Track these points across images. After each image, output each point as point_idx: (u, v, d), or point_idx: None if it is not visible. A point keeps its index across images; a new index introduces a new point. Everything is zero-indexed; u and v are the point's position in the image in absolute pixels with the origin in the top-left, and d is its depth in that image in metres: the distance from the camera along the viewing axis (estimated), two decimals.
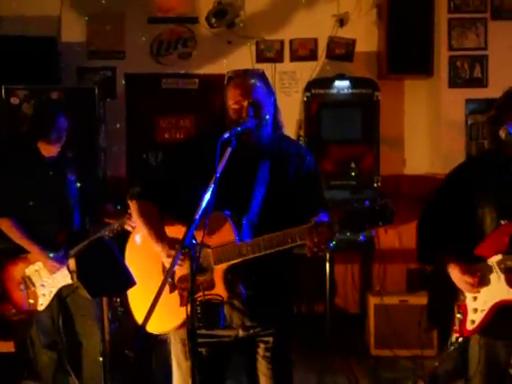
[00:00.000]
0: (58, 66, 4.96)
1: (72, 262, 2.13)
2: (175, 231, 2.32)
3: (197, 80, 5.29)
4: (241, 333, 2.38)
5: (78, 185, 3.50)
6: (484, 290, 2.50)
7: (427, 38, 4.93)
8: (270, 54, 5.29)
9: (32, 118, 3.51)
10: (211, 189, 2.08)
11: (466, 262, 2.52)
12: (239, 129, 2.23)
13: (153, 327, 2.33)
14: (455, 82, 5.00)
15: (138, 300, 2.42)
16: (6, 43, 4.74)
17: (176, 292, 2.31)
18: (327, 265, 4.74)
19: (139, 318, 2.38)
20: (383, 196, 4.62)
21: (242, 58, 5.10)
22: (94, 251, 2.24)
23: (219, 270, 2.24)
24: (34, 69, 4.72)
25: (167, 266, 2.30)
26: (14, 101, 4.58)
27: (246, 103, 2.27)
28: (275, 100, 2.40)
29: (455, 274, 2.53)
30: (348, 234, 2.04)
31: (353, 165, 4.85)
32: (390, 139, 5.17)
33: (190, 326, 1.99)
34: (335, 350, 4.54)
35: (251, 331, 2.38)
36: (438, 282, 2.70)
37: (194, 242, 2.05)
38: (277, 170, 2.34)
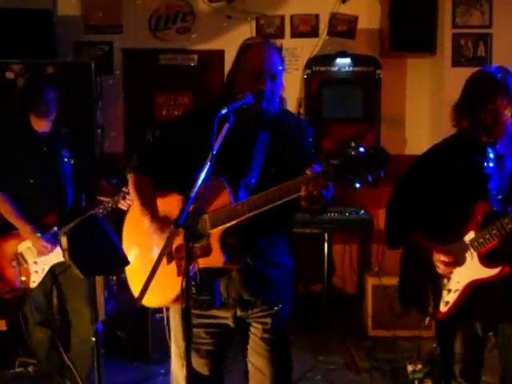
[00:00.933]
0: (54, 40, 4.87)
1: (63, 240, 2.10)
2: (169, 202, 2.32)
3: (195, 56, 5.21)
4: (238, 312, 2.34)
5: (72, 162, 3.44)
6: (457, 270, 2.49)
7: (431, 15, 4.84)
8: (270, 29, 5.19)
9: (21, 91, 3.46)
10: (207, 166, 2.03)
11: (440, 242, 2.51)
12: (237, 104, 2.17)
13: (150, 301, 2.28)
14: (459, 60, 4.92)
15: (136, 275, 2.38)
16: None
17: (173, 263, 2.27)
18: (325, 245, 4.72)
19: (137, 293, 2.34)
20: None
21: (242, 34, 4.99)
22: (85, 229, 2.20)
23: (215, 234, 2.19)
24: (29, 43, 4.65)
25: (155, 242, 2.29)
26: (9, 75, 4.51)
27: (265, 73, 2.24)
28: (283, 74, 2.36)
29: (430, 254, 2.51)
30: (349, 177, 1.96)
31: (353, 144, 4.78)
32: (391, 118, 5.11)
33: (184, 305, 1.94)
34: (332, 330, 4.54)
35: (249, 311, 2.34)
36: (410, 265, 2.68)
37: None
38: (276, 140, 2.32)
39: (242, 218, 2.16)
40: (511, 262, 2.37)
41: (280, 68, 2.29)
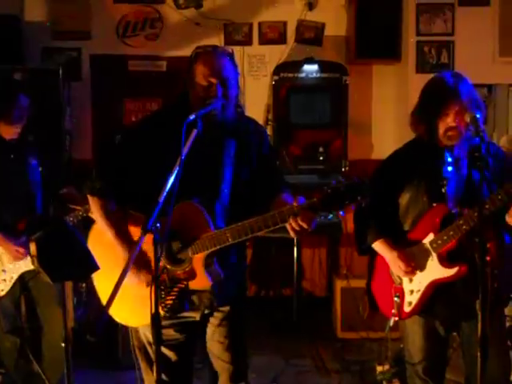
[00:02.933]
0: (22, 46, 4.83)
1: (32, 247, 2.09)
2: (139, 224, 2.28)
3: (164, 62, 5.22)
4: (206, 311, 2.40)
5: (41, 169, 3.41)
6: (419, 271, 2.56)
7: (395, 23, 4.96)
8: (238, 36, 5.24)
9: None
10: (176, 172, 2.05)
11: (401, 247, 2.58)
12: (205, 110, 2.21)
13: (132, 321, 2.36)
14: (422, 67, 5.04)
15: (107, 288, 2.35)
16: None
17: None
18: (295, 249, 4.76)
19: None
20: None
21: (211, 41, 5.03)
22: (54, 235, 2.20)
23: (198, 258, 2.25)
24: None
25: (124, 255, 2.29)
26: None
27: (215, 81, 2.26)
28: (238, 80, 2.39)
29: (391, 259, 2.59)
30: (331, 214, 2.11)
31: (321, 149, 4.87)
32: (358, 124, 5.20)
33: (153, 310, 1.97)
34: (302, 333, 4.59)
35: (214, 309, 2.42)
36: (375, 268, 2.73)
37: (158, 225, 2.03)
38: (241, 149, 2.35)
39: (225, 245, 2.21)
40: (468, 262, 2.44)
41: (232, 74, 2.30)
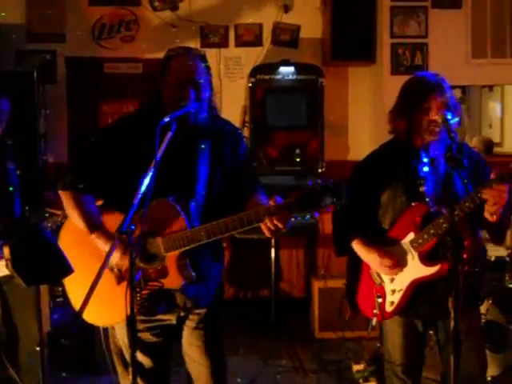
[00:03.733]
0: None
1: (6, 250, 2.08)
2: (114, 221, 2.25)
3: (140, 64, 5.21)
4: (182, 313, 2.39)
5: (18, 173, 3.38)
6: (400, 270, 2.57)
7: (370, 25, 5.02)
8: (214, 38, 5.25)
9: None
10: (151, 173, 2.06)
11: (381, 246, 2.59)
12: (179, 112, 2.21)
13: (103, 320, 2.34)
14: (397, 69, 5.10)
15: (78, 291, 2.35)
16: None
17: (124, 283, 2.26)
18: (272, 250, 4.78)
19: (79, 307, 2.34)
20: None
21: (187, 43, 5.02)
22: (28, 238, 2.18)
23: (171, 257, 2.23)
24: None
25: (99, 254, 2.26)
26: None
27: (187, 83, 2.26)
28: (211, 81, 2.39)
29: (373, 258, 2.59)
30: (308, 215, 2.11)
31: (298, 150, 4.89)
32: (335, 125, 5.24)
33: (129, 312, 1.96)
34: (280, 334, 4.60)
35: (190, 311, 2.41)
36: (355, 269, 2.74)
37: (132, 227, 2.02)
38: (216, 149, 2.36)
39: (200, 243, 2.20)
40: (449, 260, 2.44)
41: (205, 76, 2.31)
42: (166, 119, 2.15)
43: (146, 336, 2.36)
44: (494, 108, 7.30)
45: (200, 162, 2.31)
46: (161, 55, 2.40)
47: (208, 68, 2.35)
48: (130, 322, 1.97)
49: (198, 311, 2.41)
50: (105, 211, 2.35)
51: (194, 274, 2.28)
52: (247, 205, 2.29)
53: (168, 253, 2.24)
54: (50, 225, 3.18)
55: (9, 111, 3.30)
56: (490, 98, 7.37)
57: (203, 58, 2.35)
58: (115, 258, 2.25)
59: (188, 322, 2.42)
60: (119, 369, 2.46)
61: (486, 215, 2.41)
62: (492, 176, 2.34)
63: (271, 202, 2.12)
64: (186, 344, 2.45)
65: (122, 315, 2.14)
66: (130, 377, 2.02)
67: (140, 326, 2.28)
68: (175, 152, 2.18)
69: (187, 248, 2.22)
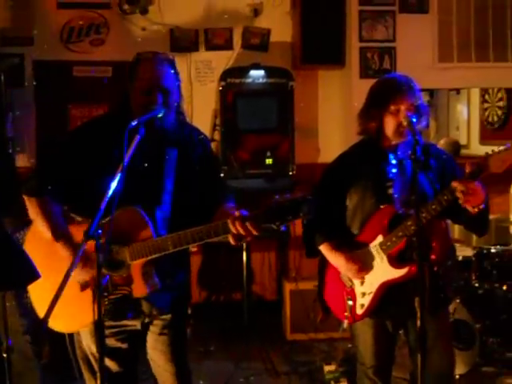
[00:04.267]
0: None
1: None
2: (82, 229, 2.23)
3: (110, 68, 5.17)
4: (147, 319, 2.39)
5: None
6: (369, 273, 2.60)
7: (339, 29, 5.06)
8: (185, 42, 5.24)
9: None
10: (118, 178, 2.05)
11: (350, 249, 2.62)
12: (147, 116, 2.21)
13: (69, 327, 2.33)
14: (366, 72, 5.16)
15: (42, 299, 2.32)
16: None
17: (89, 290, 2.26)
18: (244, 253, 4.78)
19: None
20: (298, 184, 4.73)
21: (157, 46, 4.96)
22: None
23: (137, 265, 2.23)
24: None
25: (65, 261, 2.24)
26: None
27: (155, 88, 2.25)
28: (180, 86, 2.39)
29: (340, 262, 2.62)
30: (274, 226, 2.10)
31: (268, 153, 4.91)
32: (305, 128, 5.27)
33: (96, 318, 1.95)
34: (252, 337, 4.60)
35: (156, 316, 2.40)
36: (326, 272, 2.76)
37: (99, 232, 2.02)
38: (183, 157, 2.35)
39: (166, 253, 2.20)
40: (417, 262, 2.49)
41: (173, 81, 2.31)
42: (134, 123, 2.15)
43: (112, 342, 2.35)
44: (461, 111, 7.43)
45: (167, 170, 2.30)
46: (130, 58, 2.39)
47: (177, 73, 2.35)
48: (98, 326, 1.96)
49: (162, 317, 2.40)
50: (71, 220, 2.33)
51: (158, 282, 2.27)
52: (216, 213, 2.29)
53: (133, 261, 2.23)
54: (25, 232, 3.13)
55: None
56: (458, 101, 7.51)
57: (172, 63, 2.34)
58: (75, 271, 2.23)
59: (152, 328, 2.42)
60: (86, 375, 2.44)
61: (468, 208, 2.42)
62: (466, 171, 2.37)
63: (237, 214, 2.13)
64: (150, 349, 2.45)
65: (87, 321, 2.16)
66: (98, 382, 2.01)
67: (105, 332, 2.26)
68: (142, 158, 2.18)
69: (153, 257, 2.22)
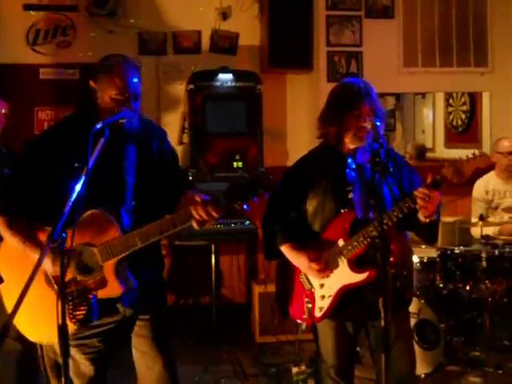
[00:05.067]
0: None
1: None
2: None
3: (77, 70, 5.14)
4: (127, 313, 2.38)
5: None
6: (330, 276, 2.62)
7: (307, 33, 5.10)
8: (153, 45, 5.23)
9: None
10: (82, 180, 2.04)
11: (310, 251, 2.63)
12: (112, 119, 2.22)
13: (45, 337, 2.31)
14: (333, 76, 5.22)
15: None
16: None
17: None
18: (213, 256, 4.79)
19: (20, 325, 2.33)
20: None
21: (125, 49, 4.98)
22: None
23: (109, 266, 2.24)
24: None
25: (50, 272, 2.26)
26: None
27: (128, 95, 2.28)
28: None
29: (302, 262, 2.63)
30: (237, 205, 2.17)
31: (237, 156, 4.93)
32: (273, 131, 5.30)
33: (60, 322, 1.94)
34: (221, 340, 4.61)
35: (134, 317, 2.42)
36: (284, 274, 2.79)
37: (64, 235, 2.00)
38: (142, 152, 2.38)
39: (135, 249, 2.22)
40: (377, 267, 2.48)
41: (139, 87, 2.34)
42: (99, 126, 2.15)
43: (94, 343, 2.36)
44: (427, 114, 7.56)
45: (127, 168, 2.33)
46: (98, 61, 2.39)
47: (140, 80, 2.37)
48: (62, 330, 1.95)
49: (143, 316, 2.42)
50: (39, 227, 2.31)
51: (133, 280, 2.29)
52: (182, 201, 2.34)
53: (105, 262, 2.24)
54: None
55: None
56: (423, 105, 7.63)
57: (139, 69, 2.38)
58: (48, 267, 2.23)
59: (135, 328, 2.43)
60: (53, 382, 2.42)
61: (420, 217, 2.48)
62: (428, 180, 2.42)
63: (198, 199, 2.19)
64: (136, 349, 2.45)
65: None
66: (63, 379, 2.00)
67: (86, 333, 2.30)
68: (103, 159, 2.18)
69: (124, 255, 2.23)
